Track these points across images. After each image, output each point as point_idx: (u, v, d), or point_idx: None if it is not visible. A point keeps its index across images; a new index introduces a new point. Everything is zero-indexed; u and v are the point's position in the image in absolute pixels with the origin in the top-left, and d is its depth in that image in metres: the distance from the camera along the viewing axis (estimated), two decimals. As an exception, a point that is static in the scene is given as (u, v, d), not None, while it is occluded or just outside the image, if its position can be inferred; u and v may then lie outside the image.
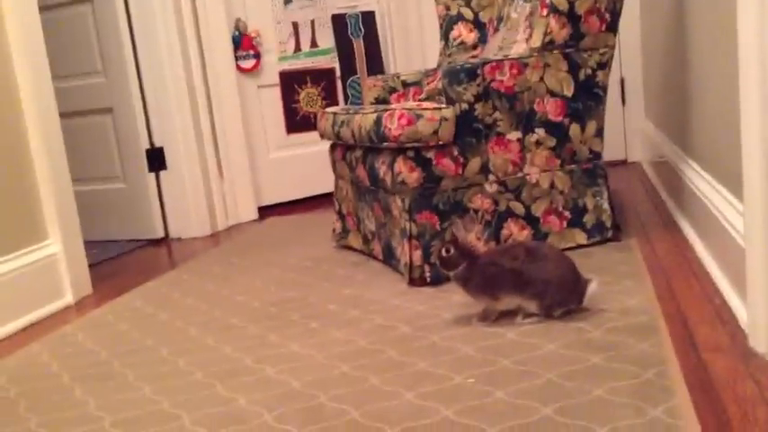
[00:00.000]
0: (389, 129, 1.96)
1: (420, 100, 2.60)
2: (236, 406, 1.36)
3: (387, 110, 2.03)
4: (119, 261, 2.96)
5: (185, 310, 2.07)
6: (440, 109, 1.97)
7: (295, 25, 3.67)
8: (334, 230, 2.65)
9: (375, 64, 3.79)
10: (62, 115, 2.44)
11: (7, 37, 2.21)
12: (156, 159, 3.22)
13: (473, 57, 2.65)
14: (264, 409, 1.33)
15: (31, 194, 2.26)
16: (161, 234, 3.28)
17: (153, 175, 3.24)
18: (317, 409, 1.30)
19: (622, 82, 3.64)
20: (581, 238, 2.11)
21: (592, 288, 1.56)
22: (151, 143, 3.22)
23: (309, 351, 1.60)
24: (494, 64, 2.00)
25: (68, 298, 2.33)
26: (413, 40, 3.86)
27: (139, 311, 2.12)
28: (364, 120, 2.11)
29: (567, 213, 2.10)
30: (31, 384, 1.63)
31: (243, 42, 3.50)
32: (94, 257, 2.88)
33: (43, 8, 2.40)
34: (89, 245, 2.53)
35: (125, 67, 3.15)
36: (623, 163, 3.68)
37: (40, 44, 2.32)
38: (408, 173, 1.97)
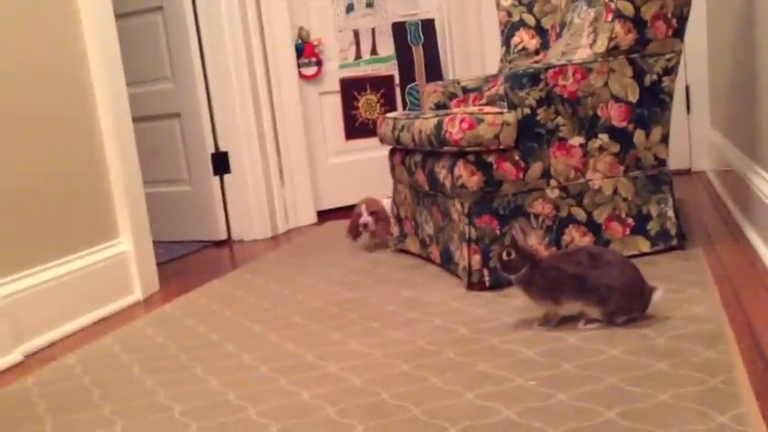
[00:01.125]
0: (450, 133, 1.97)
1: (480, 105, 2.61)
2: (299, 400, 1.40)
3: (448, 114, 2.04)
4: (184, 261, 3.05)
5: (248, 308, 2.12)
6: (502, 113, 1.97)
7: (356, 33, 3.72)
8: (391, 234, 2.68)
9: (434, 71, 3.80)
10: (133, 119, 2.53)
11: (85, 44, 2.32)
12: (221, 163, 3.31)
13: (535, 62, 2.64)
14: (327, 404, 1.36)
15: (105, 195, 2.36)
16: (224, 236, 3.37)
17: (217, 178, 3.33)
18: (379, 405, 1.33)
19: (687, 89, 3.57)
20: (644, 245, 2.08)
21: (657, 295, 1.54)
22: (216, 147, 3.31)
23: (369, 350, 1.63)
24: (557, 69, 2.00)
25: (137, 294, 2.42)
26: (472, 47, 3.87)
27: (205, 308, 2.19)
28: (425, 124, 2.13)
29: (630, 220, 2.08)
30: (104, 374, 1.70)
31: (305, 50, 3.57)
32: (161, 257, 2.97)
33: (117, 16, 2.50)
34: (156, 245, 2.62)
35: (193, 73, 3.25)
36: (688, 172, 3.60)
37: (115, 51, 2.42)
38: (469, 177, 1.98)
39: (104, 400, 1.53)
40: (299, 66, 3.55)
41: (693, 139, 3.61)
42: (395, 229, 2.66)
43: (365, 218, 2.67)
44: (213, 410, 1.40)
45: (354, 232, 2.73)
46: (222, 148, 3.31)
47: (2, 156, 1.97)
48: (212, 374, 1.60)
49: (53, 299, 2.07)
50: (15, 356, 1.88)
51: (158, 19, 3.30)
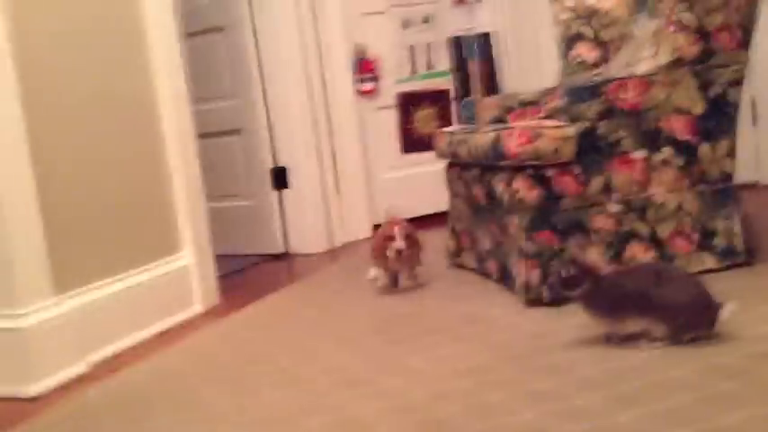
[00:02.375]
0: (509, 147, 1.96)
1: (539, 119, 2.58)
2: (358, 413, 1.40)
3: (506, 128, 2.03)
4: (244, 274, 3.10)
5: (306, 322, 2.14)
6: (561, 127, 1.95)
7: (412, 48, 3.74)
8: (447, 249, 2.67)
9: (491, 85, 3.79)
10: (197, 136, 2.60)
11: (151, 64, 2.39)
12: (280, 178, 3.36)
13: (595, 75, 2.60)
14: (384, 419, 1.35)
15: (169, 209, 2.43)
16: (282, 249, 3.41)
17: (276, 192, 3.38)
18: (436, 421, 1.32)
19: (753, 101, 3.45)
20: (710, 261, 2.02)
21: (724, 313, 1.49)
22: (275, 162, 3.37)
23: (426, 365, 1.62)
24: (618, 82, 1.97)
25: (198, 307, 2.47)
26: (529, 60, 3.84)
27: (263, 322, 2.22)
28: (483, 138, 2.12)
29: (695, 236, 2.02)
30: (166, 385, 1.74)
31: (362, 66, 3.60)
32: (222, 270, 3.03)
33: (185, 35, 2.58)
34: (217, 258, 2.67)
35: (253, 90, 3.32)
36: (755, 185, 3.48)
37: (180, 70, 2.49)
38: (527, 191, 1.96)
39: (168, 411, 1.56)
40: (355, 81, 3.58)
41: (761, 151, 3.49)
42: (451, 244, 2.64)
43: (399, 243, 2.29)
44: (271, 423, 1.41)
45: (382, 259, 2.35)
46: (281, 164, 3.36)
47: (72, 173, 2.05)
48: (270, 387, 1.62)
49: (118, 311, 2.13)
50: (81, 367, 1.95)
51: (221, 38, 3.38)
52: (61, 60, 2.05)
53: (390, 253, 2.31)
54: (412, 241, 2.35)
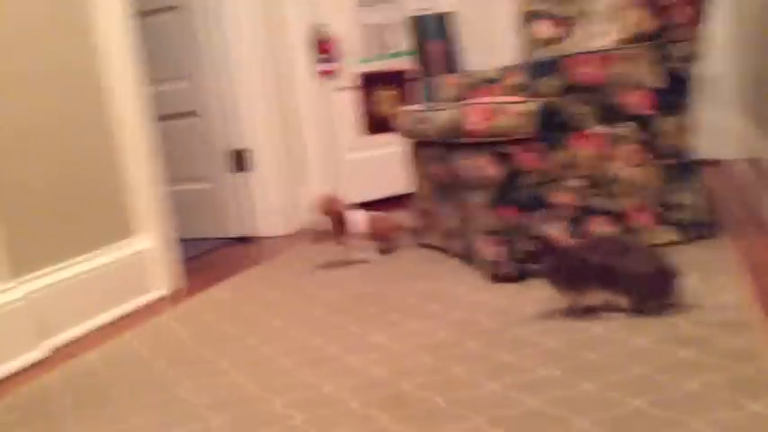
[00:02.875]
0: (470, 124, 1.95)
1: (499, 96, 2.58)
2: (322, 391, 1.39)
3: (467, 105, 2.02)
4: (206, 257, 3.06)
5: (270, 303, 2.12)
6: (522, 102, 1.95)
7: (373, 28, 3.71)
8: (412, 228, 2.66)
9: (452, 64, 3.78)
10: (154, 118, 2.54)
11: (103, 44, 2.32)
12: (241, 160, 3.31)
13: (555, 51, 2.61)
14: (350, 395, 1.35)
15: (125, 192, 2.37)
16: (245, 232, 3.37)
17: (238, 175, 3.33)
18: (401, 396, 1.31)
19: (715, 77, 3.51)
20: (672, 234, 2.05)
21: (683, 284, 1.51)
22: (235, 145, 3.32)
23: (391, 342, 1.62)
24: (577, 57, 1.97)
25: (160, 291, 2.43)
26: (489, 38, 3.84)
27: (227, 303, 2.19)
28: (444, 116, 2.11)
29: (656, 209, 2.04)
30: (127, 369, 1.70)
31: (321, 47, 3.56)
32: (184, 254, 2.98)
33: (136, 14, 2.51)
34: (180, 242, 2.63)
35: (210, 72, 3.26)
36: (717, 162, 3.54)
37: (134, 50, 2.43)
38: (489, 167, 1.96)
39: (128, 395, 1.53)
40: (316, 62, 3.54)
41: (721, 128, 3.55)
42: (416, 223, 2.64)
43: (315, 217, 2.46)
44: (237, 403, 1.39)
45: (314, 235, 2.53)
46: (242, 146, 3.31)
47: (23, 155, 1.99)
48: (235, 368, 1.60)
49: (77, 295, 2.08)
50: (40, 352, 1.90)
51: (174, 17, 3.30)
52: (6, 39, 1.98)
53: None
54: (335, 216, 2.44)
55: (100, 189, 2.26)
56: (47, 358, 1.90)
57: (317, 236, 2.49)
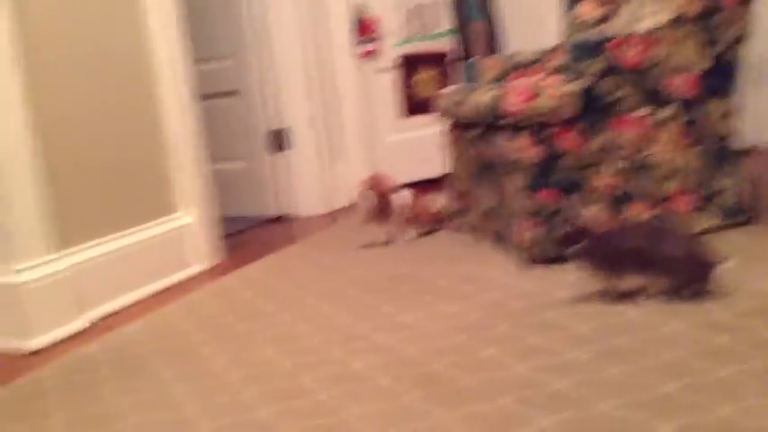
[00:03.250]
0: (510, 104, 1.93)
1: (541, 77, 2.55)
2: (352, 368, 1.40)
3: (507, 86, 2.00)
4: (245, 235, 3.10)
5: (305, 281, 2.14)
6: (562, 84, 1.92)
7: (414, 8, 3.68)
8: (449, 210, 2.66)
9: (493, 45, 3.74)
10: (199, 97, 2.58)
11: (147, 22, 2.36)
12: (281, 140, 3.34)
13: (598, 33, 2.56)
14: (380, 372, 1.36)
15: (168, 169, 2.42)
16: (282, 211, 3.41)
17: (277, 154, 3.37)
18: (431, 374, 1.32)
19: (760, 59, 3.40)
20: (713, 220, 2.00)
21: (721, 269, 1.48)
22: (275, 124, 3.35)
23: (422, 322, 1.62)
24: (621, 39, 1.93)
25: (198, 266, 2.48)
26: (531, 20, 3.78)
27: (263, 280, 2.22)
28: (484, 96, 2.09)
29: (698, 194, 2.00)
30: (165, 342, 1.75)
31: (362, 27, 3.55)
32: (225, 230, 3.03)
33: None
34: (220, 219, 2.67)
35: (251, 51, 3.28)
36: (758, 147, 3.44)
37: (177, 29, 2.46)
38: (528, 149, 1.94)
39: (165, 366, 1.57)
40: (356, 43, 3.54)
41: (765, 112, 3.44)
42: (452, 205, 2.63)
43: (364, 200, 2.42)
44: (268, 376, 1.42)
45: (367, 213, 2.47)
46: (281, 125, 3.34)
47: (71, 131, 2.04)
48: (268, 343, 1.63)
49: (117, 269, 2.14)
50: (81, 323, 1.96)
51: (219, -2, 3.34)
52: (59, 20, 2.02)
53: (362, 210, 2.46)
54: (383, 197, 2.46)
55: (145, 166, 2.31)
56: (87, 329, 1.96)
57: (365, 215, 2.49)
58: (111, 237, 2.15)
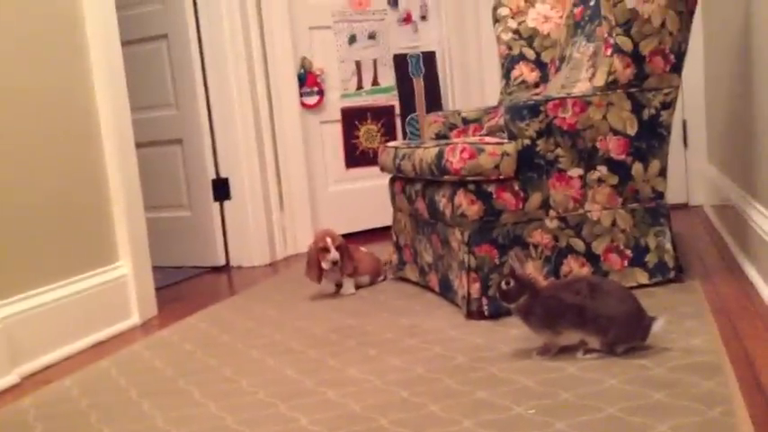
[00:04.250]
0: (451, 162, 2.00)
1: (481, 136, 2.64)
2: (297, 425, 1.39)
3: (449, 144, 2.07)
4: (183, 286, 3.05)
5: (247, 334, 2.12)
6: (502, 144, 2.00)
7: (358, 64, 3.77)
8: (390, 262, 2.69)
9: (434, 102, 3.86)
10: (136, 145, 2.55)
11: (91, 70, 2.35)
12: (222, 189, 3.33)
13: (535, 95, 2.68)
14: (325, 430, 1.35)
15: (106, 218, 2.37)
16: (223, 261, 3.37)
17: (217, 204, 3.34)
18: (378, 431, 1.32)
19: (684, 124, 3.61)
20: (642, 277, 2.10)
21: (656, 326, 1.55)
22: (217, 174, 3.33)
23: (368, 376, 1.63)
24: (557, 101, 2.03)
25: (135, 318, 2.42)
26: (472, 79, 3.92)
27: (203, 333, 2.18)
28: (426, 153, 2.15)
29: (628, 252, 2.09)
30: (101, 397, 1.69)
31: (307, 79, 3.61)
32: (160, 282, 2.97)
33: (123, 43, 2.54)
34: (155, 270, 2.62)
35: (196, 100, 3.29)
36: (685, 206, 3.63)
37: (121, 77, 2.45)
38: (469, 206, 2.00)
39: (101, 424, 1.52)
40: (300, 95, 3.59)
41: (690, 173, 3.64)
42: (394, 257, 2.67)
43: (334, 254, 2.41)
44: (211, 435, 1.39)
45: (317, 271, 2.45)
46: (223, 175, 3.33)
47: (3, 177, 1.99)
48: (210, 399, 1.60)
49: (51, 321, 2.07)
50: (12, 378, 1.88)
51: (163, 46, 3.34)
52: (-3, 63, 1.99)
53: (326, 264, 2.43)
54: (343, 251, 2.45)
55: (80, 213, 2.26)
56: (19, 384, 1.88)
57: (313, 269, 2.47)
58: (45, 287, 2.09)
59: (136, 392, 1.70)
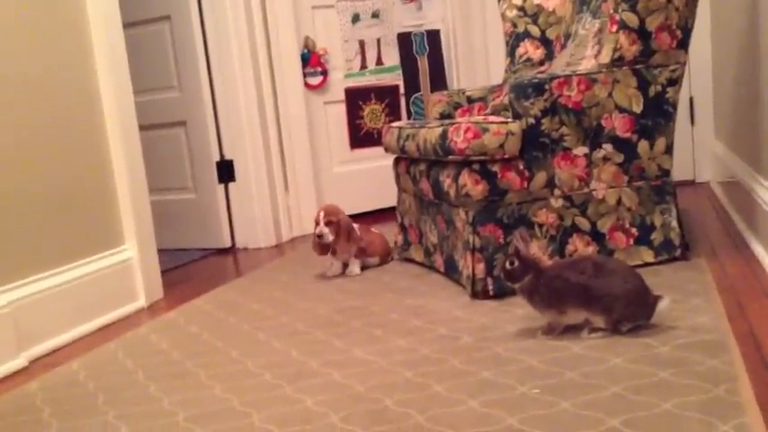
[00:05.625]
0: (455, 142, 1.98)
1: (485, 115, 2.62)
2: (302, 406, 1.40)
3: (453, 123, 2.05)
4: (188, 268, 3.06)
5: (253, 315, 2.13)
6: (506, 123, 1.98)
7: (362, 43, 3.74)
8: (395, 243, 2.69)
9: (439, 81, 3.83)
10: (139, 127, 2.54)
11: (93, 52, 2.34)
12: (226, 171, 3.33)
13: (539, 73, 2.66)
14: (331, 411, 1.36)
15: (111, 202, 2.38)
16: (228, 244, 3.38)
17: (222, 186, 3.34)
18: (382, 412, 1.33)
19: (691, 101, 3.58)
20: (648, 255, 2.09)
21: (662, 304, 1.54)
22: (221, 155, 3.33)
23: (373, 357, 1.63)
24: (562, 79, 2.01)
25: (141, 301, 2.43)
26: (477, 57, 3.89)
27: (209, 315, 2.19)
28: (430, 133, 2.14)
29: (633, 230, 2.08)
30: (108, 380, 1.70)
31: (311, 60, 3.59)
32: (165, 264, 2.98)
33: (125, 25, 2.53)
34: (160, 252, 2.63)
35: (199, 82, 3.27)
36: (692, 183, 3.60)
37: (123, 60, 2.44)
38: (473, 186, 1.99)
39: (108, 406, 1.53)
40: (304, 75, 3.56)
41: (697, 150, 3.62)
42: (399, 238, 2.66)
43: (321, 228, 2.39)
44: (217, 417, 1.40)
45: (319, 247, 2.45)
46: (227, 157, 3.33)
47: (9, 162, 1.99)
48: (216, 381, 1.60)
49: (58, 305, 2.08)
50: (20, 362, 1.89)
51: (166, 28, 3.32)
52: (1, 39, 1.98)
53: (314, 238, 2.45)
54: (340, 229, 2.44)
55: (85, 198, 2.26)
56: (27, 368, 1.89)
57: (318, 246, 2.47)
58: (51, 272, 2.09)
59: (143, 375, 1.71)
